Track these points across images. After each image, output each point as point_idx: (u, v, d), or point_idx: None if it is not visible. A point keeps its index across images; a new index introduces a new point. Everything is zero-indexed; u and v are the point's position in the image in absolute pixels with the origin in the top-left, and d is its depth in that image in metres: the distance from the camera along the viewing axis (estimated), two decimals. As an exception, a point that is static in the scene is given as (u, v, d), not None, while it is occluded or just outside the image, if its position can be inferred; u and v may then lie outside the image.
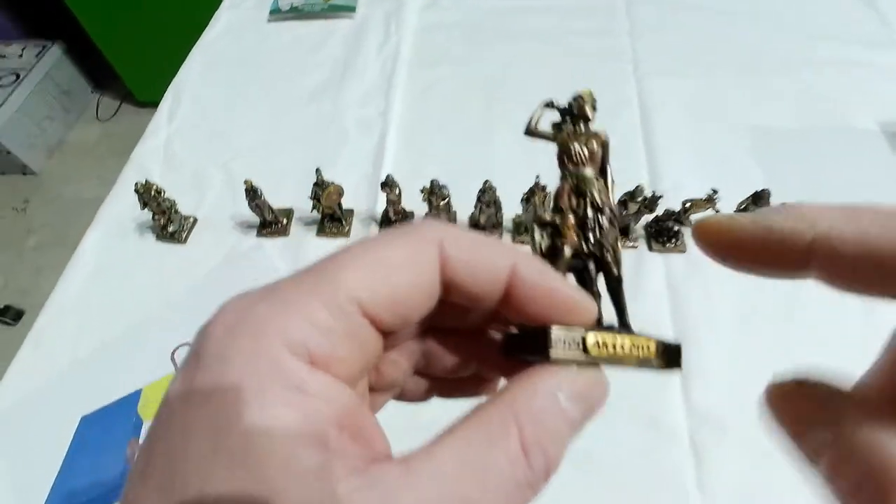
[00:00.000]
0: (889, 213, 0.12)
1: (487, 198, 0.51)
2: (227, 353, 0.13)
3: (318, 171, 0.52)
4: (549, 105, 0.22)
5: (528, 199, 0.51)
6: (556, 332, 0.15)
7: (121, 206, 0.63)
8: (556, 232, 0.19)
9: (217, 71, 0.79)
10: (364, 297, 0.14)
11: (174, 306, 0.55)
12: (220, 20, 0.86)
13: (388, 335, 0.16)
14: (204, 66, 0.79)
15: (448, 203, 0.52)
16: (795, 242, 0.12)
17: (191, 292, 0.56)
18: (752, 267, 0.14)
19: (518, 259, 0.16)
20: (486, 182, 0.50)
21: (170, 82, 1.91)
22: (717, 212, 0.50)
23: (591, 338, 0.15)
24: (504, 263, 0.15)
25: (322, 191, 0.52)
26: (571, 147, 0.20)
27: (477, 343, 0.19)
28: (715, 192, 0.49)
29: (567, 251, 0.18)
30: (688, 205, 0.50)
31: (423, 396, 0.21)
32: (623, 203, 0.51)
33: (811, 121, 0.66)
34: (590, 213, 0.19)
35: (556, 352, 0.15)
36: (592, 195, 0.19)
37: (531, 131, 0.21)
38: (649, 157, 0.63)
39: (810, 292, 0.51)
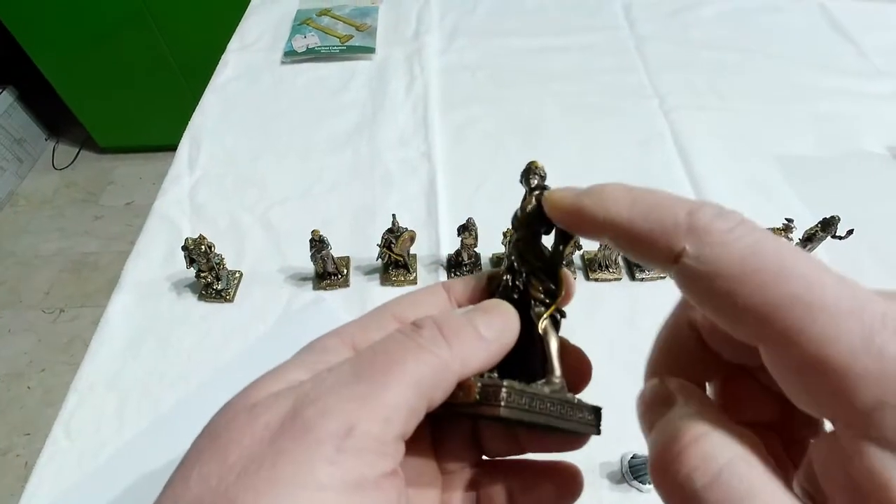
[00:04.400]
0: (654, 204, 0.15)
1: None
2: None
3: (393, 216, 0.49)
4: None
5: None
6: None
7: (147, 266, 0.57)
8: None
9: (234, 114, 0.75)
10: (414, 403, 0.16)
11: (228, 372, 0.50)
12: (230, 62, 0.82)
13: None
14: (220, 110, 0.75)
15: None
16: (596, 220, 0.16)
17: (246, 355, 0.51)
18: (578, 232, 0.18)
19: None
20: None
21: (135, 126, 1.84)
22: (789, 240, 0.52)
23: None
24: None
25: (396, 238, 0.49)
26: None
27: None
28: (790, 220, 0.50)
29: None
30: (761, 234, 0.51)
31: None
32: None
33: (828, 146, 0.70)
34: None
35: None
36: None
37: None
38: (695, 187, 0.64)
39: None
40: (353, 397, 0.15)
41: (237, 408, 0.15)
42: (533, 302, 0.20)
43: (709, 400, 0.16)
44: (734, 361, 0.17)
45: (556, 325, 0.20)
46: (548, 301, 0.20)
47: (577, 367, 0.20)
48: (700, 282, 0.14)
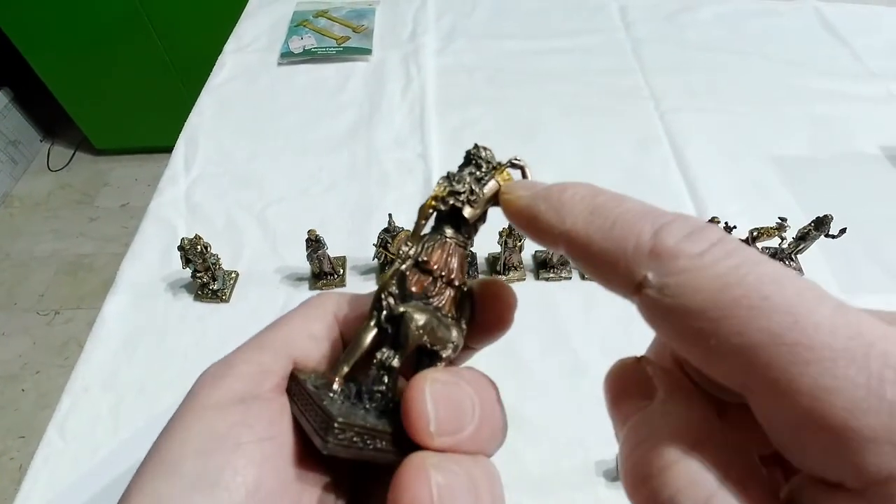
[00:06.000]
0: (617, 218, 0.13)
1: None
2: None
3: (390, 216, 0.49)
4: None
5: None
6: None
7: (143, 266, 0.57)
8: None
9: (231, 115, 0.75)
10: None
11: (223, 374, 0.49)
12: (226, 64, 0.82)
13: None
14: (216, 111, 0.75)
15: (522, 244, 0.51)
16: (552, 231, 0.14)
17: (242, 356, 0.50)
18: (533, 239, 0.16)
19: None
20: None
21: (130, 128, 1.83)
22: (783, 239, 0.52)
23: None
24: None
25: (392, 238, 0.49)
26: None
27: None
28: (783, 219, 0.50)
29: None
30: (755, 233, 0.52)
31: None
32: (696, 235, 0.51)
33: (822, 147, 0.71)
34: None
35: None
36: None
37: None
38: (690, 188, 0.65)
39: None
40: (237, 352, 0.18)
41: None
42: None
43: (697, 396, 0.14)
44: (727, 399, 0.14)
45: (379, 307, 0.17)
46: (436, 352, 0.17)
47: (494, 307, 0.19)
48: (665, 318, 0.12)
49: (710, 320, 0.11)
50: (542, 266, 0.55)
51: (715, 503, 0.10)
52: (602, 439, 0.43)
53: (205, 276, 0.51)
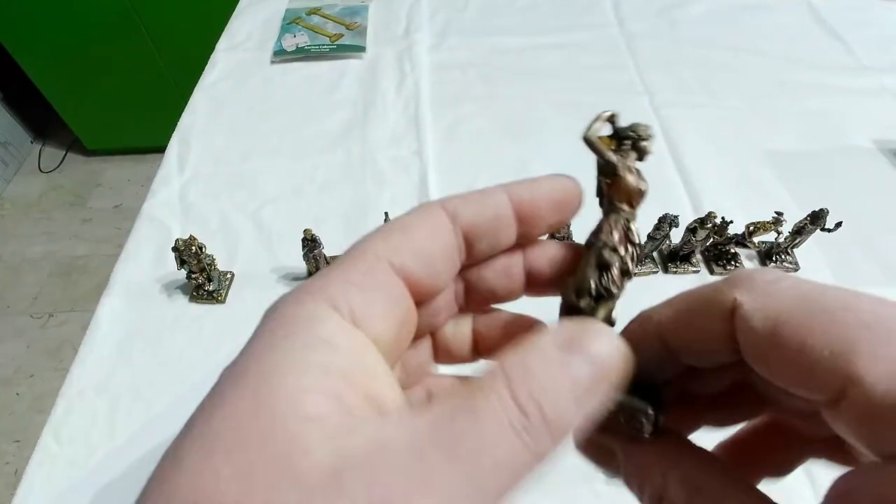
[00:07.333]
0: (690, 291, 0.16)
1: (562, 234, 0.49)
2: (274, 323, 0.14)
3: (386, 214, 0.49)
4: (611, 119, 0.19)
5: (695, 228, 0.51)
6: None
7: (137, 268, 0.56)
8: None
9: (224, 114, 0.74)
10: (393, 259, 0.16)
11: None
12: (219, 62, 0.82)
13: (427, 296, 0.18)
14: (209, 110, 0.74)
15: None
16: (649, 334, 0.17)
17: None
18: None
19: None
20: (562, 217, 0.49)
21: (122, 128, 1.81)
22: (779, 233, 0.52)
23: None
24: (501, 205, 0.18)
25: (389, 236, 0.49)
26: (627, 181, 0.18)
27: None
28: (779, 214, 0.50)
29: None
30: (752, 228, 0.52)
31: (469, 355, 0.21)
32: (692, 230, 0.51)
33: (817, 141, 0.71)
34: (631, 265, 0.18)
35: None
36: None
37: (591, 140, 0.18)
38: (685, 183, 0.65)
39: None
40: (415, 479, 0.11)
41: (285, 400, 0.13)
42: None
43: None
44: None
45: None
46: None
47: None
48: (761, 333, 0.13)
49: (807, 324, 0.12)
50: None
51: None
52: (601, 435, 0.43)
53: (200, 277, 0.51)
